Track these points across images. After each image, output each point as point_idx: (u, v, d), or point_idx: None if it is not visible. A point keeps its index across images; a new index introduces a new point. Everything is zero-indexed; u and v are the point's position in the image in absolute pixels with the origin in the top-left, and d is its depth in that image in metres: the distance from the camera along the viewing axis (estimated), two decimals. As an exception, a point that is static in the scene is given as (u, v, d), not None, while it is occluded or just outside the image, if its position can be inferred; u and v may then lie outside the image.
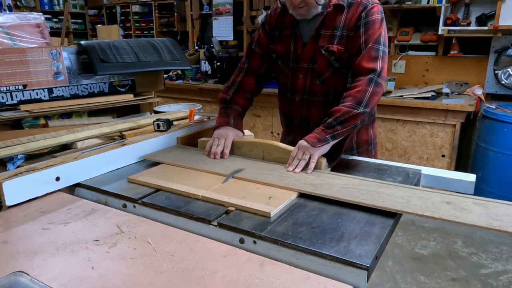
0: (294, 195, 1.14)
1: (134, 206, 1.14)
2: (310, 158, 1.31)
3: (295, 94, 1.63)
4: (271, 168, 1.33)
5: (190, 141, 1.67)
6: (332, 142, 1.36)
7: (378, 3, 1.48)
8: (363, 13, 1.44)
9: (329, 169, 1.35)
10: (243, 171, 1.30)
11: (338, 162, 1.42)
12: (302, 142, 1.34)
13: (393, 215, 1.03)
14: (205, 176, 1.28)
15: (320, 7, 1.46)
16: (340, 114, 1.35)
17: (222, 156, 1.44)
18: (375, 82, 1.39)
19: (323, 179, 1.23)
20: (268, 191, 1.17)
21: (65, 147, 1.49)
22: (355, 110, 1.35)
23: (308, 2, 1.43)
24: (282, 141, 1.83)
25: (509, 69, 3.28)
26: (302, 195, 1.16)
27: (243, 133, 1.60)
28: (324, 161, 1.33)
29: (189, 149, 1.55)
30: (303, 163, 1.31)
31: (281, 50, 1.61)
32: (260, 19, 4.48)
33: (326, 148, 1.35)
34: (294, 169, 1.30)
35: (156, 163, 1.42)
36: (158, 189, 1.21)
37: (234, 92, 1.64)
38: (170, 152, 1.52)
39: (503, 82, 3.34)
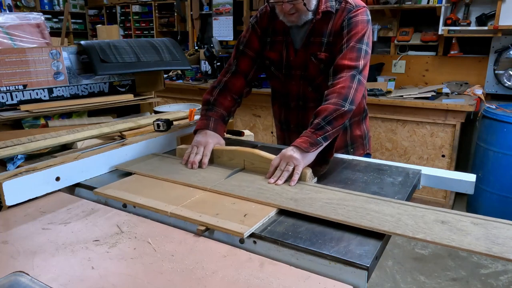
0: (272, 212, 1.04)
1: (134, 206, 1.14)
2: (294, 169, 1.20)
3: (290, 100, 1.63)
4: (250, 180, 1.23)
5: (190, 141, 1.67)
6: (324, 144, 1.28)
7: (364, 6, 1.47)
8: (347, 15, 1.44)
9: (315, 180, 1.26)
10: (219, 183, 1.20)
11: (338, 162, 1.42)
12: (286, 152, 1.23)
13: (381, 236, 0.92)
14: (180, 189, 1.19)
15: (310, 13, 1.45)
16: (327, 113, 1.28)
17: (200, 166, 1.35)
18: (357, 80, 1.35)
19: (307, 193, 1.13)
20: (245, 206, 1.07)
21: (65, 147, 1.49)
22: (342, 108, 1.29)
23: (298, 9, 1.41)
24: (278, 143, 1.84)
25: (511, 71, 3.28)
26: (282, 211, 1.06)
27: (224, 139, 1.54)
28: (309, 172, 1.22)
29: (166, 158, 1.46)
30: (286, 175, 1.20)
31: (274, 57, 1.59)
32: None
33: (312, 156, 1.26)
34: (276, 181, 1.19)
35: (129, 173, 1.33)
36: (125, 204, 1.13)
37: (218, 93, 1.55)
38: (145, 161, 1.42)
39: (506, 85, 3.33)
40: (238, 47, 1.64)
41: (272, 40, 1.58)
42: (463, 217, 0.99)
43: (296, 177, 1.19)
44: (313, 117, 1.31)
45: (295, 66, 1.55)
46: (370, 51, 1.44)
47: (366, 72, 1.40)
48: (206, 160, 1.36)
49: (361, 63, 1.38)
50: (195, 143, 1.41)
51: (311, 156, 1.26)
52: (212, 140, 1.41)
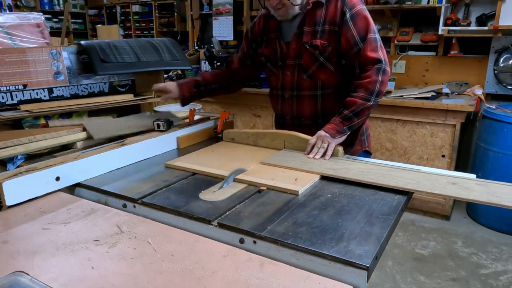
0: (317, 178, 1.27)
1: (134, 206, 1.14)
2: (328, 146, 1.44)
3: (285, 91, 1.68)
4: (293, 155, 1.46)
5: (190, 141, 1.67)
6: (348, 133, 1.51)
7: None
8: (345, 7, 1.50)
9: (345, 156, 1.48)
10: (268, 158, 1.43)
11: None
12: (321, 132, 1.46)
13: (405, 194, 1.17)
14: (236, 162, 1.40)
15: (296, 8, 1.53)
16: (356, 107, 1.47)
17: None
18: (383, 71, 1.48)
19: (341, 165, 1.36)
20: (293, 174, 1.29)
21: (65, 147, 1.49)
22: (369, 102, 1.47)
23: (284, 4, 1.50)
24: None
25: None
26: (323, 178, 1.29)
27: (183, 97, 1.79)
28: (341, 149, 1.46)
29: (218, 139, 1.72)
30: (322, 151, 1.43)
31: (268, 53, 1.69)
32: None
33: (339, 139, 1.48)
34: (314, 155, 1.43)
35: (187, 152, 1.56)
36: (194, 173, 1.34)
37: (206, 72, 1.90)
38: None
39: (510, 87, 3.33)
40: (239, 47, 1.84)
41: (267, 38, 1.69)
42: (468, 180, 1.24)
43: (329, 152, 1.43)
44: (342, 106, 1.49)
45: (289, 56, 1.62)
46: (380, 37, 1.55)
47: (387, 59, 1.52)
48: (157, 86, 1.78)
49: (382, 53, 1.51)
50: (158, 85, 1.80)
51: (339, 139, 1.48)
52: (170, 87, 1.77)
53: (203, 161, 1.43)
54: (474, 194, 1.14)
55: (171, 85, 1.77)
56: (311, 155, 1.44)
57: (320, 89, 1.61)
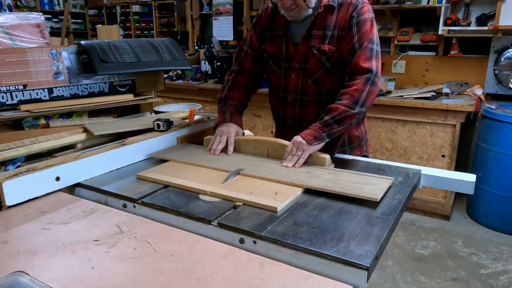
0: (299, 191, 1.17)
1: (134, 206, 1.14)
2: (301, 154, 1.35)
3: (288, 94, 1.64)
4: (275, 165, 1.37)
5: (190, 141, 1.67)
6: (327, 140, 1.40)
7: (367, 3, 1.51)
8: (354, 12, 1.46)
9: (333, 165, 1.38)
10: (248, 169, 1.33)
11: (338, 162, 1.43)
12: (296, 138, 1.38)
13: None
14: (213, 173, 1.32)
15: (310, 9, 1.48)
16: (337, 113, 1.39)
17: (226, 153, 1.48)
18: (371, 82, 1.41)
19: (327, 175, 1.27)
20: (274, 187, 1.20)
21: (65, 147, 1.49)
22: (352, 110, 1.38)
23: (298, 4, 1.45)
24: None
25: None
26: (307, 191, 1.19)
27: (242, 128, 1.63)
28: (328, 158, 1.36)
29: (195, 147, 1.58)
30: (295, 159, 1.35)
31: (272, 50, 1.63)
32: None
33: (316, 147, 1.39)
34: (287, 164, 1.35)
35: (163, 161, 1.45)
36: (166, 186, 1.24)
37: (228, 90, 1.69)
38: (176, 150, 1.55)
39: (510, 86, 3.33)
40: (241, 47, 1.74)
41: (272, 34, 1.63)
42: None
43: (301, 161, 1.35)
44: (324, 112, 1.42)
45: (295, 59, 1.57)
46: (380, 50, 1.49)
47: (379, 72, 1.47)
48: (231, 148, 1.49)
49: (375, 64, 1.44)
50: (218, 133, 1.54)
51: (316, 146, 1.38)
52: (233, 129, 1.54)
53: (178, 172, 1.31)
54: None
55: (233, 128, 1.56)
56: (284, 163, 1.35)
57: (325, 95, 1.57)
